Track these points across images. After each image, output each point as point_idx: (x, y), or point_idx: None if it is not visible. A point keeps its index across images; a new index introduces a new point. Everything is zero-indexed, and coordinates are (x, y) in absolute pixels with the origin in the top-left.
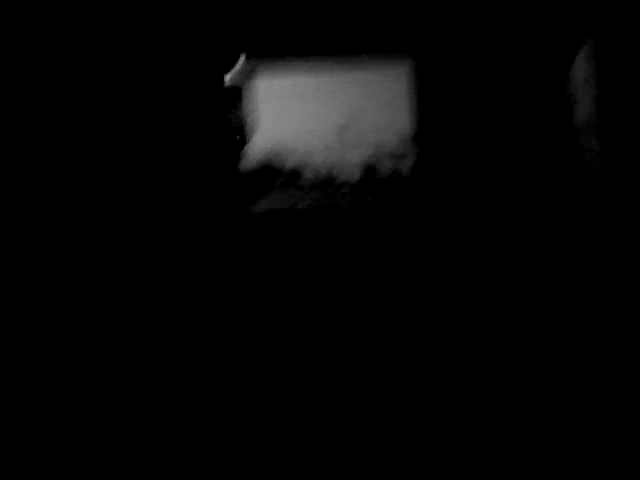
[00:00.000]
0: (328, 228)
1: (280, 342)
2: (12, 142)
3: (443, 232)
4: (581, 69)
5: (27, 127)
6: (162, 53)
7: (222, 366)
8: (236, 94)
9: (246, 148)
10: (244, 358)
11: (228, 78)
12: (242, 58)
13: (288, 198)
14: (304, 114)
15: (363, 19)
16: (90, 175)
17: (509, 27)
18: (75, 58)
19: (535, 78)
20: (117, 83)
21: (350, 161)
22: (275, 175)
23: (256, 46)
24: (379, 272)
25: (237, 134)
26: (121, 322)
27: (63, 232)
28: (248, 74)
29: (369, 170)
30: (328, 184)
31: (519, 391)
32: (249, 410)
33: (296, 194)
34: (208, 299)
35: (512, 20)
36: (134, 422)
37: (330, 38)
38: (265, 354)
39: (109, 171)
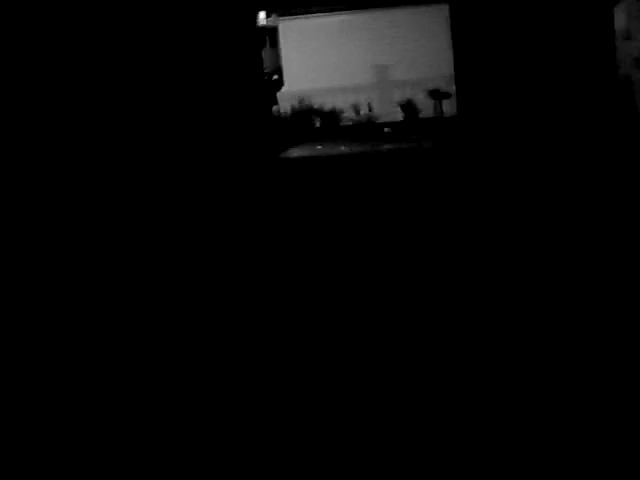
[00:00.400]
0: (366, 174)
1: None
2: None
3: (487, 174)
4: (632, 5)
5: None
6: None
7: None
8: (267, 35)
9: (280, 89)
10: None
11: (260, 18)
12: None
13: (324, 142)
14: (340, 54)
15: None
16: (129, 111)
17: None
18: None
19: (578, 16)
20: (154, 23)
21: (391, 100)
22: (312, 116)
23: None
24: (418, 216)
25: (271, 75)
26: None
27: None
28: (276, 17)
29: (410, 110)
30: (368, 124)
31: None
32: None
33: (333, 138)
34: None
35: None
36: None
37: None
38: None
39: (152, 104)
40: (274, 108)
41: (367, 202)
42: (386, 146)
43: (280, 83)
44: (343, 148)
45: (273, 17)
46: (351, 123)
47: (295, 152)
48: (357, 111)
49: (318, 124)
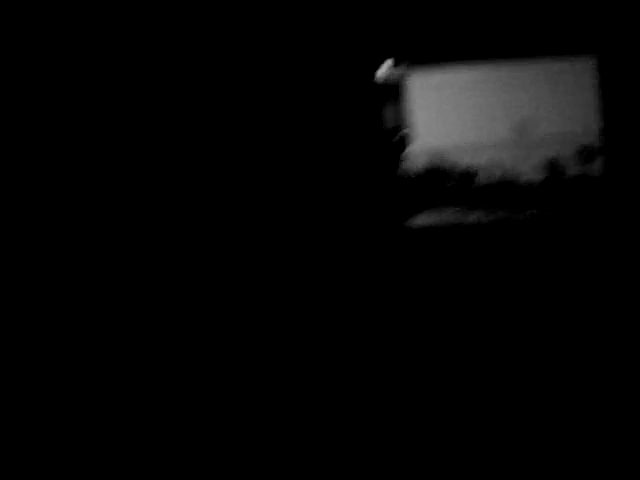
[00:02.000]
0: (504, 246)
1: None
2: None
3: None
4: None
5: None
6: (311, 49)
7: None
8: (390, 92)
9: (406, 151)
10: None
11: (380, 74)
12: (392, 58)
13: (457, 210)
14: (474, 111)
15: (541, 19)
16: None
17: None
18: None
19: None
20: (277, 79)
21: (530, 162)
22: (443, 180)
23: (411, 48)
24: (569, 294)
25: (394, 135)
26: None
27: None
28: (403, 69)
29: (553, 171)
30: (505, 188)
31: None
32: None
33: (467, 204)
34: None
35: None
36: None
37: (502, 39)
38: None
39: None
40: (401, 169)
41: (504, 284)
42: (526, 213)
43: (406, 142)
44: (477, 216)
45: (399, 70)
46: (487, 184)
47: (423, 219)
48: (494, 171)
49: (451, 185)
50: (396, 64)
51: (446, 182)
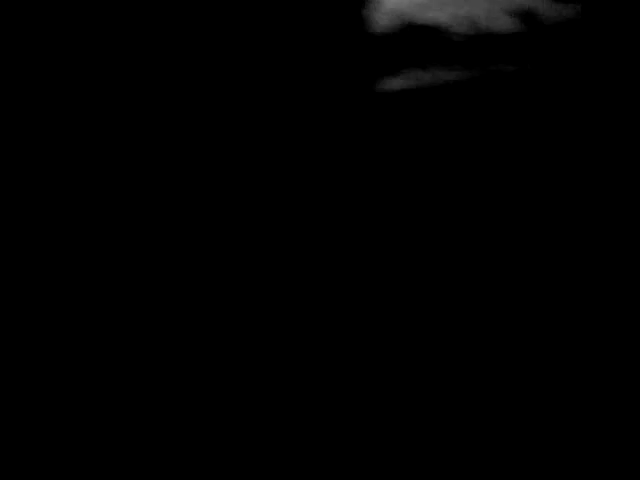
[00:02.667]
0: (482, 106)
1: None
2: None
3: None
4: None
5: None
6: None
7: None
8: None
9: (369, 6)
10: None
11: None
12: None
13: (430, 70)
14: None
15: None
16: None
17: None
18: None
19: None
20: None
21: (502, 9)
22: (412, 38)
23: None
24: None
25: None
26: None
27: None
28: None
29: (527, 19)
30: (479, 42)
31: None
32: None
33: (439, 63)
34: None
35: None
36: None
37: None
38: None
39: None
40: (365, 26)
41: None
42: (503, 67)
43: None
44: (449, 75)
45: None
46: (461, 40)
47: (394, 82)
48: (465, 25)
49: (421, 43)
50: None
51: (416, 40)
